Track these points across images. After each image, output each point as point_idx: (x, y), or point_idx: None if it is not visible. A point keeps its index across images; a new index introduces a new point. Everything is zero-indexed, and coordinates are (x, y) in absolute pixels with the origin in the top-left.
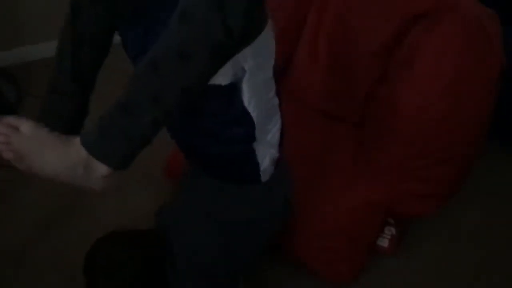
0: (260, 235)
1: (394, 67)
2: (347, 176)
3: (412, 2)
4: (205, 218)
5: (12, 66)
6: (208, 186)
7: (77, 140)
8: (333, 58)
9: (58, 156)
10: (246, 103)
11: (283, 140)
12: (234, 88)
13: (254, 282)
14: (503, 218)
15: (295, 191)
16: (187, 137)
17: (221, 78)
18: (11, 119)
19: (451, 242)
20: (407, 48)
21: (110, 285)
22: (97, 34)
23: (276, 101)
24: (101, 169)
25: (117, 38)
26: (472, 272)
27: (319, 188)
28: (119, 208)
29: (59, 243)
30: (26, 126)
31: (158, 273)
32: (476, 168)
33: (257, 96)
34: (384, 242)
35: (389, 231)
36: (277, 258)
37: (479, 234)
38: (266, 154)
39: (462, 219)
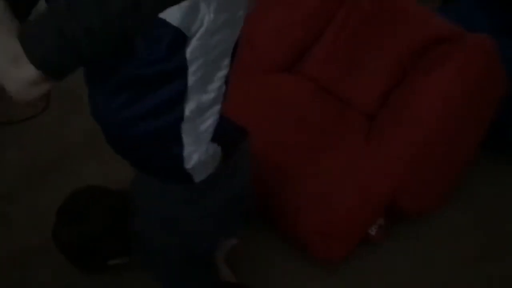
0: (210, 231)
1: (424, 61)
2: (353, 162)
3: (432, 28)
4: (151, 209)
5: None
6: (147, 179)
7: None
8: (354, 55)
9: None
10: (188, 59)
11: (228, 134)
12: (182, 38)
13: (241, 257)
14: (496, 217)
15: (295, 173)
16: (108, 100)
17: (174, 14)
18: None
19: (442, 239)
20: (435, 55)
21: (70, 232)
22: None
23: (222, 88)
24: (28, 69)
25: None
26: (457, 269)
27: (324, 171)
28: (101, 171)
29: (39, 202)
30: None
31: (122, 231)
32: (474, 168)
33: (203, 60)
34: (372, 230)
35: (378, 220)
36: (267, 234)
37: (470, 232)
38: (196, 150)
39: (455, 216)
